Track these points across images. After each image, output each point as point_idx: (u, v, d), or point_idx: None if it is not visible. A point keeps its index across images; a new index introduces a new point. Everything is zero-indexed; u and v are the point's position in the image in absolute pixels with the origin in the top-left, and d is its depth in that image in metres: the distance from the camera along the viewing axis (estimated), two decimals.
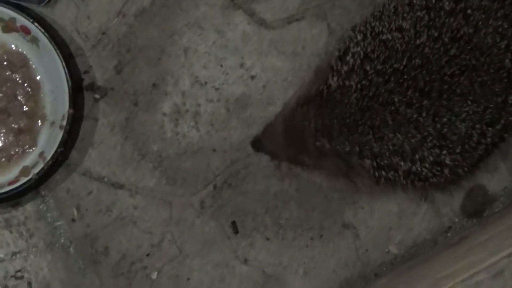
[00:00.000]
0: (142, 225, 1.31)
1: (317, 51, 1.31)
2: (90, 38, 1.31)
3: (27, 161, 1.27)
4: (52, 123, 1.27)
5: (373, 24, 1.15)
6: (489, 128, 1.14)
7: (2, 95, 1.26)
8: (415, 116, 1.11)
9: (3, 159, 1.26)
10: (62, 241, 1.30)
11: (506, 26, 1.13)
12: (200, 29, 1.33)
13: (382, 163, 1.13)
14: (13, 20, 1.25)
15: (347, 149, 1.12)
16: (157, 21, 1.32)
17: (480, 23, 1.12)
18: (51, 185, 1.29)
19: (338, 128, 1.12)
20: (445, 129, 1.12)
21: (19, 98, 1.27)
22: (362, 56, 1.12)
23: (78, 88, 1.29)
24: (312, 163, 1.17)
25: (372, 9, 1.18)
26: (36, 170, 1.24)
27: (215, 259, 1.32)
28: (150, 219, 1.31)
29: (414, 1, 1.15)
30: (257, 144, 1.22)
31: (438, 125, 1.11)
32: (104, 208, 1.31)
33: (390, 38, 1.12)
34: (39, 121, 1.28)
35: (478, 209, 1.34)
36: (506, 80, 1.13)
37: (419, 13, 1.13)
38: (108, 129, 1.31)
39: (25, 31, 1.26)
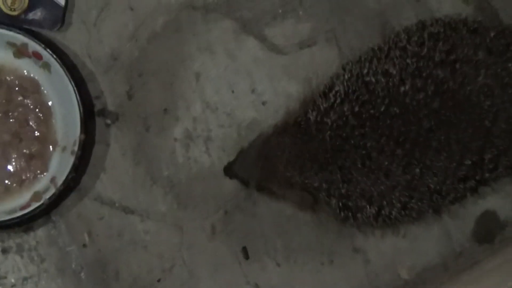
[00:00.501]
0: (153, 249, 1.26)
1: (328, 77, 1.21)
2: (102, 63, 1.27)
3: (39, 186, 1.22)
4: (64, 149, 1.22)
5: (362, 63, 1.11)
6: (461, 185, 1.10)
7: (14, 120, 1.21)
8: (385, 163, 1.06)
9: (15, 184, 1.21)
10: (73, 266, 1.25)
11: (492, 84, 1.08)
12: (212, 53, 1.28)
13: (349, 203, 1.09)
14: (25, 45, 1.21)
15: (315, 184, 1.08)
16: (169, 46, 1.28)
17: (467, 79, 1.08)
18: (63, 210, 1.24)
19: (309, 163, 1.08)
20: (415, 181, 1.07)
21: (30, 123, 1.22)
22: (343, 95, 1.08)
23: (90, 114, 1.24)
24: (280, 192, 1.14)
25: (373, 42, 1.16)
26: (47, 195, 1.19)
27: (226, 284, 1.28)
28: (161, 243, 1.26)
29: (408, 47, 1.11)
30: (229, 170, 1.18)
31: (408, 176, 1.07)
32: (115, 233, 1.26)
33: (374, 81, 1.08)
34: (51, 146, 1.23)
35: (490, 235, 1.30)
36: (484, 139, 1.08)
37: (408, 60, 1.09)
38: (119, 154, 1.26)
39: (37, 56, 1.21)
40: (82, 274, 1.25)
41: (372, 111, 1.06)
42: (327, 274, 1.30)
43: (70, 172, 1.18)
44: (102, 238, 1.25)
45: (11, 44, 1.20)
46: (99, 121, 1.26)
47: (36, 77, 1.23)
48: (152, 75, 1.27)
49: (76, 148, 1.19)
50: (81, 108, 1.19)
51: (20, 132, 1.21)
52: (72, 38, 1.25)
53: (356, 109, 1.06)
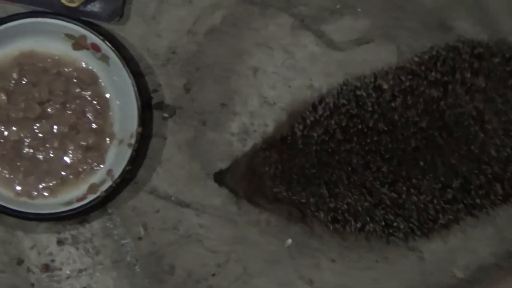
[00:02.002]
0: (207, 243, 1.17)
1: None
2: (160, 56, 1.18)
3: (95, 178, 1.13)
4: (121, 141, 1.13)
5: (357, 77, 1.04)
6: (448, 206, 1.01)
7: (71, 112, 1.12)
8: (370, 179, 0.97)
9: (71, 176, 1.12)
10: (128, 259, 1.16)
11: (483, 108, 0.98)
12: (269, 49, 1.19)
13: (338, 217, 1.01)
14: (83, 37, 1.12)
15: (303, 200, 1.00)
16: (226, 40, 1.19)
17: (458, 100, 0.99)
18: (118, 202, 1.15)
19: (296, 178, 1.00)
20: (401, 200, 0.98)
21: (88, 115, 1.13)
22: (332, 108, 1.00)
23: (147, 107, 1.15)
24: (268, 207, 1.06)
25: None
26: (103, 187, 1.10)
27: (280, 279, 1.17)
28: (215, 237, 1.17)
29: (406, 65, 1.03)
30: (220, 177, 1.10)
31: (394, 194, 0.98)
32: (170, 226, 1.17)
33: (365, 95, 1.00)
34: (108, 138, 1.14)
35: None
36: (472, 164, 0.99)
37: (402, 77, 1.00)
38: (175, 147, 1.18)
39: (96, 48, 1.13)
40: (137, 267, 1.16)
41: (360, 126, 0.98)
42: (381, 271, 1.20)
43: (126, 165, 1.10)
44: (157, 231, 1.16)
45: (69, 36, 1.12)
46: (156, 114, 1.17)
47: (94, 69, 1.14)
48: (209, 69, 1.18)
49: (133, 141, 1.10)
50: (138, 101, 1.11)
51: (77, 124, 1.12)
52: (130, 31, 1.17)
53: (344, 123, 0.98)
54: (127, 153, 1.10)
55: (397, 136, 0.97)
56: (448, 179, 0.98)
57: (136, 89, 1.10)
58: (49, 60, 1.11)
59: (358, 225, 1.01)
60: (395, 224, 1.00)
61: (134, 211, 1.15)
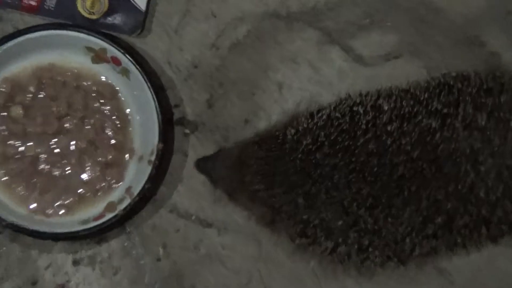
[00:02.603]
0: (230, 263, 1.09)
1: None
2: (182, 70, 1.12)
3: (114, 196, 1.06)
4: (141, 158, 1.07)
5: (362, 93, 0.97)
6: (427, 241, 0.94)
7: (90, 127, 1.06)
8: (349, 199, 0.91)
9: (89, 194, 1.06)
10: (147, 279, 1.08)
11: (479, 147, 0.92)
12: (295, 64, 1.13)
13: (307, 232, 0.95)
14: (103, 50, 1.06)
15: (277, 204, 0.95)
16: (250, 54, 1.12)
17: (454, 135, 0.92)
18: (137, 221, 1.09)
19: (277, 181, 0.94)
20: (376, 226, 0.92)
21: (107, 131, 1.07)
22: (325, 120, 0.94)
23: (168, 122, 1.09)
24: (243, 203, 1.01)
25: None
26: (122, 206, 1.04)
27: None
28: (238, 257, 1.09)
29: (412, 90, 0.96)
30: (204, 164, 1.03)
31: (370, 219, 0.92)
32: (191, 246, 1.10)
33: (361, 112, 0.93)
34: (127, 155, 1.08)
35: None
36: (458, 203, 0.92)
37: (404, 101, 0.94)
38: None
39: (116, 62, 1.06)
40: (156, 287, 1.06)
41: (348, 143, 0.92)
42: None
43: (146, 182, 1.03)
44: (178, 251, 1.09)
45: (89, 49, 1.06)
46: (177, 130, 1.11)
47: (114, 83, 1.08)
48: (233, 84, 1.12)
49: (153, 158, 1.04)
50: (159, 116, 1.04)
51: (96, 139, 1.06)
52: (152, 44, 1.11)
53: (333, 136, 0.92)
54: (147, 170, 1.03)
55: (385, 161, 0.91)
56: (431, 214, 0.92)
57: (157, 104, 1.04)
58: (68, 73, 1.06)
59: (329, 244, 0.94)
60: (370, 249, 0.94)
61: (153, 230, 1.09)
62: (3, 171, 1.02)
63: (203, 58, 1.12)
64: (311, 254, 0.97)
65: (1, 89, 1.03)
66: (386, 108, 0.93)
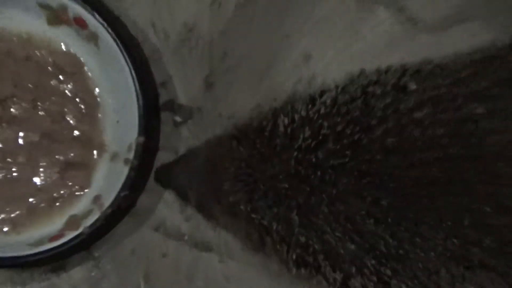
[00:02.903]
0: None
1: None
2: (172, 36, 0.97)
3: (77, 208, 0.94)
4: (114, 156, 0.94)
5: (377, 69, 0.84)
6: (468, 273, 0.79)
7: (44, 113, 0.93)
8: (361, 213, 0.77)
9: (43, 204, 0.93)
10: None
11: None
12: (328, 28, 0.96)
13: (307, 259, 0.81)
14: (63, 8, 0.92)
15: (264, 221, 0.81)
16: (265, 16, 0.96)
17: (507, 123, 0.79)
18: (110, 243, 0.95)
19: (263, 189, 0.81)
20: (401, 250, 0.78)
21: (67, 118, 0.95)
22: (330, 106, 0.82)
23: (153, 107, 0.96)
24: (220, 219, 0.88)
25: None
26: (88, 221, 0.91)
27: None
28: None
29: (450, 64, 0.82)
30: (165, 174, 0.91)
31: (392, 241, 0.78)
32: (183, 277, 0.95)
33: (378, 93, 0.80)
34: (96, 152, 0.95)
35: None
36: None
37: (440, 79, 0.81)
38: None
39: (81, 24, 0.93)
40: None
41: (358, 136, 0.79)
42: None
43: (122, 189, 0.91)
44: (165, 285, 0.95)
45: (44, 7, 0.93)
46: (165, 117, 0.98)
47: (78, 53, 0.96)
48: (242, 56, 0.97)
49: (131, 156, 0.91)
50: (140, 100, 0.91)
51: (52, 130, 0.94)
52: (130, 0, 0.97)
53: (340, 128, 0.79)
54: (123, 172, 0.92)
55: (412, 159, 0.77)
56: (476, 235, 0.78)
57: (137, 82, 0.92)
58: (14, 39, 0.95)
59: (338, 276, 0.80)
60: (393, 281, 0.80)
61: (132, 255, 0.95)
62: None
63: (200, 19, 0.98)
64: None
65: None
66: (413, 88, 0.81)
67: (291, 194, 0.80)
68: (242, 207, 0.83)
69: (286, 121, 0.82)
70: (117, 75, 0.93)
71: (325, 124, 0.81)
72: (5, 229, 0.92)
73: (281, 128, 0.82)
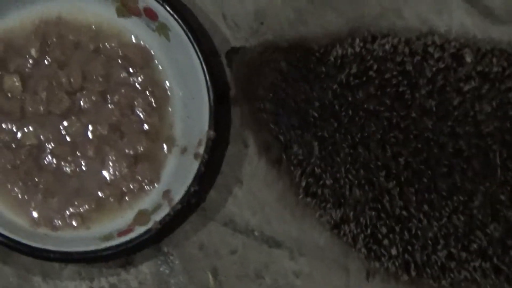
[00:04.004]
0: None
1: None
2: (242, 27, 0.95)
3: (146, 202, 0.92)
4: (184, 150, 0.92)
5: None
6: (467, 256, 0.78)
7: (113, 106, 0.91)
8: (378, 163, 0.78)
9: (112, 198, 0.91)
10: None
11: None
12: (400, 18, 0.93)
13: (313, 189, 0.81)
14: None
15: (283, 137, 0.82)
16: (338, 6, 0.94)
17: None
18: (178, 238, 0.93)
19: (293, 109, 0.81)
20: (404, 212, 0.78)
21: (137, 111, 0.93)
22: (387, 51, 0.81)
23: (223, 101, 0.93)
24: (249, 122, 0.88)
25: None
26: (158, 216, 0.89)
27: None
28: None
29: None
30: (231, 56, 0.89)
31: (399, 200, 0.77)
32: (252, 273, 0.93)
33: (436, 57, 0.80)
34: (165, 146, 0.93)
35: None
36: None
37: (495, 59, 0.81)
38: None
39: (151, 15, 0.91)
40: None
41: (403, 89, 0.78)
42: None
43: (191, 184, 0.89)
44: (234, 280, 0.94)
45: None
46: (235, 112, 0.94)
47: (148, 45, 0.94)
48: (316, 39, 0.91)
49: (201, 150, 0.89)
50: (211, 93, 0.89)
51: (121, 123, 0.92)
52: None
53: (388, 75, 0.79)
54: (193, 167, 0.90)
55: (444, 126, 0.78)
56: (483, 218, 0.78)
57: (207, 75, 0.89)
58: (84, 30, 0.93)
59: (336, 214, 0.81)
60: (385, 242, 0.80)
61: (201, 250, 0.94)
62: None
63: (272, 9, 0.96)
64: (316, 219, 0.84)
65: None
66: (469, 60, 0.81)
67: (319, 124, 0.80)
68: (265, 115, 0.83)
69: (339, 52, 0.82)
70: (187, 68, 0.91)
71: (375, 66, 0.80)
72: (74, 223, 0.91)
73: (331, 58, 0.82)
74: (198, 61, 0.89)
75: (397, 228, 0.80)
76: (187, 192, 0.89)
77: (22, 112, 0.92)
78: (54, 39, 0.92)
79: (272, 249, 0.94)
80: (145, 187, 0.92)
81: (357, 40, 0.83)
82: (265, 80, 0.85)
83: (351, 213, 0.82)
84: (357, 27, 0.87)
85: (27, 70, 0.91)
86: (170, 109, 0.94)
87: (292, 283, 0.94)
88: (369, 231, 0.81)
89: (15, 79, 0.91)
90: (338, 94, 0.80)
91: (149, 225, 0.89)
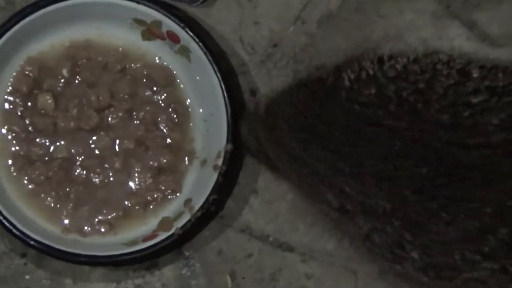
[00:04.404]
0: None
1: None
2: (258, 50, 0.95)
3: (169, 210, 0.92)
4: (204, 162, 0.92)
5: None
6: (477, 257, 0.77)
7: (138, 122, 0.92)
8: (399, 177, 0.77)
9: (137, 207, 0.91)
10: None
11: None
12: (403, 43, 0.91)
13: (348, 207, 0.80)
14: (157, 24, 0.90)
15: (316, 162, 0.81)
16: (346, 31, 0.94)
17: None
18: (199, 243, 0.93)
19: (322, 128, 0.81)
20: (425, 217, 0.77)
21: (161, 126, 0.93)
22: (400, 71, 0.81)
23: (240, 117, 0.94)
24: (277, 161, 0.88)
25: None
26: (180, 223, 0.89)
27: None
28: None
29: None
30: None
31: (419, 206, 0.77)
32: (267, 276, 0.93)
33: (444, 74, 0.81)
34: (186, 158, 0.93)
35: None
36: None
37: (500, 75, 0.81)
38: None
39: (173, 38, 0.91)
40: None
41: (419, 106, 0.78)
42: None
43: (211, 194, 0.89)
44: (250, 283, 0.93)
45: (139, 22, 0.91)
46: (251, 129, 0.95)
47: (171, 66, 0.94)
48: (324, 68, 0.91)
49: (220, 162, 0.89)
50: (228, 109, 0.90)
51: (146, 137, 0.92)
52: (219, 17, 0.95)
53: (405, 93, 0.79)
54: (212, 178, 0.89)
55: (458, 138, 0.78)
56: (494, 223, 0.77)
57: (225, 93, 0.90)
58: (111, 53, 0.93)
59: (365, 225, 0.80)
60: (408, 247, 0.79)
61: (219, 255, 0.94)
62: (27, 177, 0.90)
63: (284, 34, 0.95)
64: (345, 231, 0.84)
65: (26, 72, 0.91)
66: (475, 76, 0.81)
67: (345, 142, 0.79)
68: (299, 151, 0.82)
69: (352, 76, 0.81)
70: (207, 86, 0.91)
71: (393, 86, 0.80)
72: (103, 230, 0.92)
73: (346, 81, 0.81)
74: (217, 80, 0.90)
75: (420, 233, 0.80)
76: (207, 201, 0.89)
77: (55, 128, 0.92)
78: (84, 61, 0.92)
79: (285, 253, 0.94)
80: (168, 196, 0.93)
81: (367, 63, 0.83)
82: (284, 117, 0.84)
83: (378, 224, 0.81)
84: (361, 52, 0.86)
85: (59, 89, 0.92)
86: (191, 124, 0.94)
87: (304, 285, 0.94)
88: (396, 238, 0.80)
89: (48, 98, 0.91)
90: (359, 113, 0.80)
91: (172, 231, 0.89)
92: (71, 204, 0.91)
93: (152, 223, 0.92)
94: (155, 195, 0.92)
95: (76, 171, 0.92)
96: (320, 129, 0.82)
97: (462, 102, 0.80)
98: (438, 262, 0.80)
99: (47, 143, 0.92)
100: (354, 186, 0.80)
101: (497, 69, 0.82)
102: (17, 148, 0.90)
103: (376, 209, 0.80)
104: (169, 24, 0.90)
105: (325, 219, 0.85)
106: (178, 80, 0.94)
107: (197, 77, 0.92)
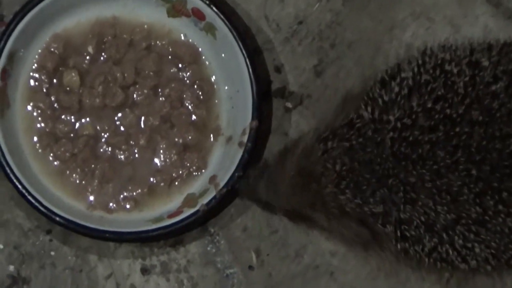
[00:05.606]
0: (341, 278, 0.92)
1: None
2: (283, 28, 0.95)
3: (194, 187, 0.92)
4: (229, 139, 0.92)
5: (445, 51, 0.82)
6: None
7: (164, 99, 0.92)
8: (457, 185, 0.75)
9: (162, 184, 0.91)
10: None
11: None
12: (429, 21, 0.94)
13: (407, 234, 0.78)
14: (183, 1, 0.91)
15: (375, 209, 0.77)
16: (372, 9, 0.94)
17: None
18: (224, 220, 0.93)
19: (364, 177, 0.77)
20: (486, 217, 0.76)
21: (186, 103, 0.92)
22: (411, 85, 0.79)
23: (265, 94, 0.93)
24: (324, 224, 0.83)
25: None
26: (205, 200, 0.89)
27: None
28: (352, 270, 0.92)
29: None
30: (249, 190, 0.87)
31: (479, 208, 0.76)
32: (292, 252, 0.92)
33: (455, 72, 0.78)
34: (212, 135, 0.93)
35: None
36: None
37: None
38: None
39: (198, 15, 0.91)
40: None
41: (448, 111, 0.77)
42: None
43: (236, 170, 0.88)
44: (275, 259, 0.93)
45: (165, 0, 0.91)
46: (276, 103, 0.95)
47: (196, 43, 0.93)
48: (349, 46, 0.95)
49: (245, 139, 0.89)
50: (254, 86, 0.89)
51: (171, 114, 0.92)
52: None
53: (429, 104, 0.77)
54: (238, 154, 0.89)
55: (494, 130, 0.76)
56: None
57: (251, 70, 0.90)
58: (136, 30, 0.93)
59: (429, 245, 0.78)
60: (470, 245, 0.78)
61: (244, 231, 0.93)
62: (53, 154, 0.90)
63: (310, 11, 0.96)
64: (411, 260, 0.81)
65: (51, 49, 0.91)
66: (486, 64, 0.79)
67: (393, 174, 0.77)
68: (352, 204, 0.78)
69: (369, 108, 0.79)
70: (232, 64, 0.91)
71: (414, 102, 0.78)
72: (128, 206, 0.91)
73: (367, 116, 0.79)
74: (242, 58, 0.89)
75: (483, 230, 0.78)
76: (232, 178, 0.89)
77: (80, 105, 0.91)
78: (110, 38, 0.92)
79: (310, 231, 0.93)
80: (193, 173, 0.92)
81: (377, 88, 0.81)
82: (328, 175, 0.80)
83: (444, 235, 0.79)
84: (364, 86, 0.85)
85: (84, 66, 0.91)
86: (216, 101, 0.94)
87: (328, 262, 0.93)
88: (461, 242, 0.78)
89: (73, 75, 0.91)
90: (396, 139, 0.78)
91: (197, 207, 0.89)
92: (96, 181, 0.90)
93: (177, 199, 0.92)
94: (180, 172, 0.92)
95: (101, 148, 0.91)
96: (366, 173, 0.79)
97: (485, 93, 0.78)
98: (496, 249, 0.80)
99: (73, 120, 0.92)
100: (415, 211, 0.78)
101: (508, 50, 0.81)
102: (43, 125, 0.90)
103: (437, 224, 0.78)
104: (194, 1, 0.90)
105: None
106: (203, 57, 0.94)
107: (222, 55, 0.92)
